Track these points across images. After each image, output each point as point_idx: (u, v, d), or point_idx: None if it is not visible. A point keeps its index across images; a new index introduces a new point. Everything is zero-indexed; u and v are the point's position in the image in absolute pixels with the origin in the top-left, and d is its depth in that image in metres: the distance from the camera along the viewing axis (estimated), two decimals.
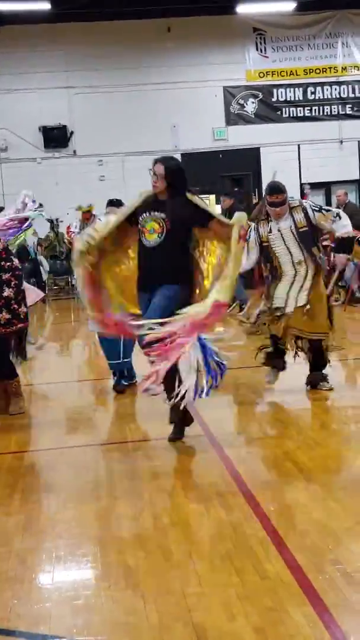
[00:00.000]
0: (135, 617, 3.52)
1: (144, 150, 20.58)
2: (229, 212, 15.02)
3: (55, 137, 20.57)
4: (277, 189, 7.20)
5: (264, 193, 8.31)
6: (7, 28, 20.04)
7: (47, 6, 17.56)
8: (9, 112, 20.29)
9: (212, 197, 20.26)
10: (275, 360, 7.53)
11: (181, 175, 6.19)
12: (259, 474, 5.35)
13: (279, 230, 7.15)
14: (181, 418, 6.08)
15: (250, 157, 20.71)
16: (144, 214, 6.02)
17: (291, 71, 21.46)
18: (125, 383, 7.97)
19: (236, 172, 17.84)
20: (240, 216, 5.99)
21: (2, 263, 7.02)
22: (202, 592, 3.69)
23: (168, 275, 5.90)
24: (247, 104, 21.47)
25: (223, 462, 5.64)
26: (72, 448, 6.40)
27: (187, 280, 6.06)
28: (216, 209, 18.88)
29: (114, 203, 8.89)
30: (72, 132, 20.76)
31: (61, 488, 5.37)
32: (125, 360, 7.84)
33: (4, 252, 7.12)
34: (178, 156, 20.87)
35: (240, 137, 21.22)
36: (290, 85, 21.48)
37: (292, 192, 21.21)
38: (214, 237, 6.15)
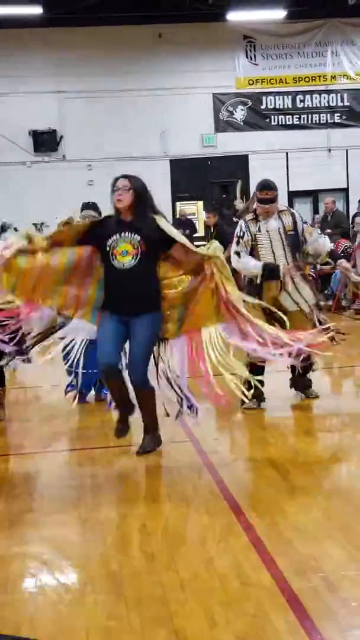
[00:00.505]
0: (117, 621, 3.52)
1: (133, 156, 20.63)
2: (214, 229, 15.06)
3: (45, 142, 20.55)
4: (267, 185, 7.08)
5: (252, 193, 8.18)
6: None
7: (39, 10, 17.54)
8: None
9: (201, 203, 20.32)
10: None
11: (147, 194, 5.96)
12: (243, 480, 5.37)
13: (267, 231, 7.02)
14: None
15: (239, 164, 20.75)
16: (114, 236, 5.72)
17: (280, 79, 21.49)
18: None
19: (224, 179, 17.85)
20: (216, 246, 5.75)
21: None
22: (185, 597, 3.69)
23: (146, 301, 5.77)
24: (236, 111, 21.50)
25: (207, 468, 5.66)
26: (56, 453, 6.41)
27: (160, 305, 5.87)
28: (202, 216, 18.96)
29: (90, 206, 8.71)
30: (61, 137, 20.74)
31: (45, 493, 5.37)
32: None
33: None
34: (167, 162, 21.05)
35: (229, 144, 21.24)
36: (279, 93, 21.50)
37: (280, 200, 21.29)
38: (172, 266, 5.91)
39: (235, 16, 19.00)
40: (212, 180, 18.02)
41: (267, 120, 21.50)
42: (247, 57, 21.44)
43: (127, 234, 5.70)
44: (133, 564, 4.10)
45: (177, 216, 20.37)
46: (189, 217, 19.77)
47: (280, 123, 21.53)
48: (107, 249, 5.72)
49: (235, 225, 7.91)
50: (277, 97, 21.51)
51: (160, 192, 20.94)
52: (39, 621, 3.59)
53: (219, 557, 4.12)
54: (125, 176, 5.91)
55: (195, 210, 21.04)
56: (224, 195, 17.53)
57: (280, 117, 21.56)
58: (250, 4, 18.19)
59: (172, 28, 20.57)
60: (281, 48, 21.40)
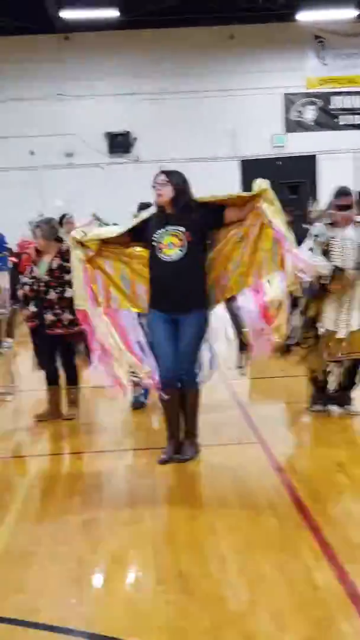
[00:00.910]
0: (187, 621, 3.56)
1: (204, 157, 20.67)
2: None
3: (120, 143, 20.68)
4: (344, 192, 6.82)
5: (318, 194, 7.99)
6: (76, 35, 20.24)
7: (115, 14, 17.65)
8: (75, 118, 20.49)
9: None
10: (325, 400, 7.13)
11: (187, 187, 5.87)
12: (312, 483, 5.33)
13: (341, 239, 6.68)
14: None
15: (308, 165, 20.62)
16: (159, 230, 5.68)
17: (351, 79, 21.29)
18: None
19: (293, 180, 17.73)
20: (260, 181, 5.73)
21: (66, 264, 6.94)
22: (254, 600, 3.72)
23: (194, 296, 5.74)
24: (306, 110, 21.37)
25: (275, 471, 5.65)
26: (126, 451, 6.47)
27: (204, 301, 5.82)
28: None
29: (146, 206, 8.68)
30: (135, 138, 20.86)
31: (118, 491, 5.44)
32: None
33: (68, 253, 7.07)
34: (237, 163, 21.01)
35: (299, 144, 21.12)
36: (349, 93, 21.32)
37: None
38: (236, 225, 5.82)
39: (305, 16, 18.85)
40: (281, 181, 17.88)
41: (336, 120, 21.31)
42: (317, 57, 21.28)
43: (171, 226, 5.66)
44: (203, 565, 4.13)
45: None
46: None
47: (349, 123, 21.33)
48: (154, 243, 5.68)
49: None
50: (345, 97, 21.32)
51: (231, 191, 20.91)
52: (112, 618, 3.65)
53: (288, 560, 4.13)
54: (163, 172, 5.88)
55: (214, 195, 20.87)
56: (294, 196, 17.40)
57: (349, 116, 21.36)
58: (320, 3, 18.03)
59: (244, 29, 20.52)
60: (352, 47, 21.17)
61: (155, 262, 5.71)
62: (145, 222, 5.81)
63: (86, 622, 3.63)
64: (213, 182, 20.46)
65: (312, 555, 4.19)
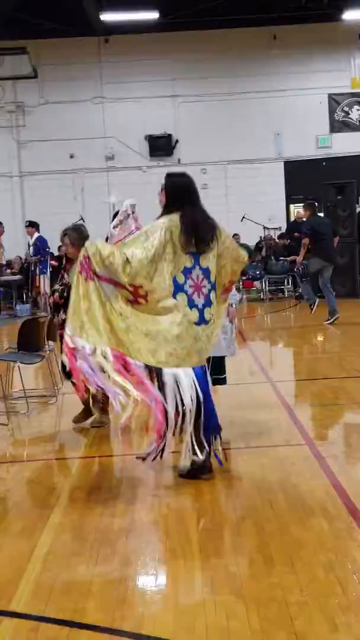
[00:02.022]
0: (237, 622, 3.54)
1: (247, 159, 20.69)
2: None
3: (161, 146, 20.81)
4: None
5: None
6: (116, 38, 20.39)
7: (155, 15, 17.73)
8: (116, 121, 20.64)
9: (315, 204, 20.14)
10: None
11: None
12: None
13: None
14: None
15: (354, 165, 20.51)
16: None
17: None
18: None
19: (339, 180, 17.65)
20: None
21: None
22: (304, 601, 3.68)
23: None
24: (352, 111, 21.30)
25: (324, 472, 5.61)
26: (171, 454, 6.42)
27: None
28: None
29: None
30: (177, 141, 20.95)
31: (162, 493, 5.42)
32: None
33: None
34: (281, 164, 20.98)
35: (344, 144, 21.05)
36: None
37: None
38: None
39: (351, 15, 18.80)
40: (326, 181, 17.84)
41: None
42: None
43: None
44: (252, 566, 4.11)
45: (293, 218, 20.31)
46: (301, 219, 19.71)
47: None
48: None
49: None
50: None
51: (275, 193, 21.01)
52: (159, 619, 3.63)
53: (338, 560, 4.10)
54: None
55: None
56: (339, 197, 17.31)
57: None
58: None
59: (287, 29, 20.56)
60: None
61: None
62: None
63: (133, 623, 3.61)
64: (255, 184, 20.68)
65: None
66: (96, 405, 7.22)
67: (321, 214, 16.99)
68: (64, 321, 7.05)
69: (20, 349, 7.83)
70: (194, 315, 5.25)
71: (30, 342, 7.87)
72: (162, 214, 5.37)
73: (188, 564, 4.23)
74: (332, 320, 13.27)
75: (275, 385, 8.70)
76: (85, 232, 7.32)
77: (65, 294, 7.06)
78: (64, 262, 7.41)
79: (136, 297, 5.17)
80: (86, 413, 7.28)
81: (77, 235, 7.16)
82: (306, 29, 20.51)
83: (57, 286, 7.28)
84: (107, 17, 18.31)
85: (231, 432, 6.96)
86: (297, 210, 20.62)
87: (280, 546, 4.34)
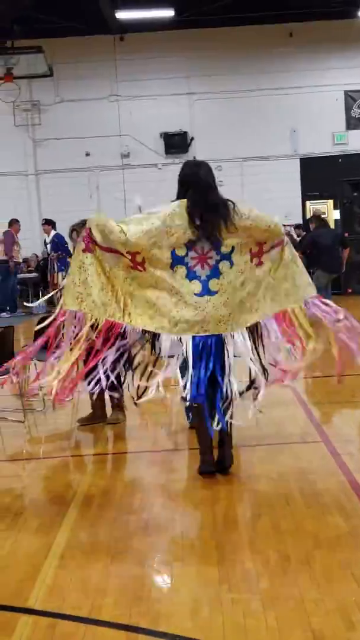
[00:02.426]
0: (253, 619, 3.54)
1: (262, 156, 20.66)
2: None
3: (176, 143, 20.82)
4: None
5: None
6: (131, 36, 20.40)
7: (170, 13, 17.73)
8: (131, 119, 20.66)
9: (331, 201, 20.13)
10: None
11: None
12: None
13: None
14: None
15: None
16: None
17: None
18: None
19: (356, 177, 17.62)
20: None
21: None
22: (321, 599, 3.68)
23: None
24: None
25: (340, 469, 5.61)
26: (187, 450, 6.42)
27: None
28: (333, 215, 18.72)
29: None
30: (192, 138, 20.95)
31: (178, 490, 5.43)
32: None
33: None
34: (297, 161, 20.94)
35: None
36: None
37: None
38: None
39: None
40: (343, 178, 17.80)
41: None
42: None
43: None
44: (268, 564, 4.11)
45: (310, 215, 20.25)
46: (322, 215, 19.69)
47: None
48: None
49: None
50: None
51: (290, 190, 20.97)
52: (175, 617, 3.63)
53: (355, 558, 4.10)
54: None
55: (326, 209, 20.93)
56: (355, 194, 17.28)
57: None
58: None
59: (303, 26, 20.52)
60: None
61: None
62: None
63: (150, 620, 3.61)
64: (271, 181, 20.64)
65: None
66: (112, 402, 7.23)
67: (338, 212, 16.96)
68: None
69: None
70: (194, 286, 5.25)
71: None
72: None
73: (204, 561, 4.23)
74: None
75: (291, 382, 8.66)
76: None
77: None
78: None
79: (135, 264, 5.27)
80: (93, 416, 7.29)
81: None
82: (322, 25, 20.45)
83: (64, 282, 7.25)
84: (123, 15, 18.31)
85: (247, 429, 6.97)
86: (314, 207, 20.61)
87: (296, 543, 4.34)
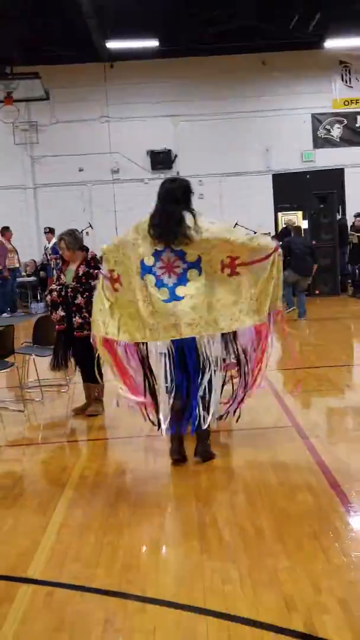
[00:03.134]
0: (231, 586, 3.54)
1: (239, 171, 20.73)
2: None
3: (161, 160, 20.86)
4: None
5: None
6: (120, 64, 20.42)
7: (155, 44, 17.73)
8: (120, 138, 20.67)
9: (300, 213, 20.22)
10: None
11: None
12: (343, 462, 5.29)
13: None
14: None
15: (335, 178, 20.56)
16: None
17: None
18: None
19: (322, 190, 17.66)
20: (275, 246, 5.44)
21: (93, 271, 6.89)
22: (292, 567, 3.69)
23: None
24: (332, 129, 21.33)
25: (309, 450, 5.62)
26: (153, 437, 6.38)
27: None
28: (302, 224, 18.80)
29: None
30: (176, 155, 20.98)
31: (164, 471, 5.42)
32: None
33: (93, 260, 7.07)
34: (269, 176, 20.99)
35: (326, 159, 21.09)
36: None
37: None
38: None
39: (331, 44, 18.79)
40: (310, 192, 17.85)
41: None
42: (342, 80, 21.30)
43: None
44: (245, 536, 4.11)
45: (283, 225, 20.37)
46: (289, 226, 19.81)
47: None
48: None
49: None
50: None
51: (264, 203, 21.00)
52: (162, 584, 3.64)
53: (322, 531, 4.10)
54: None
55: (296, 219, 21.03)
56: (322, 206, 17.32)
57: None
58: (346, 32, 17.93)
59: (275, 55, 20.60)
60: None
61: None
62: None
63: (138, 587, 3.62)
64: (247, 194, 20.68)
65: (343, 527, 4.17)
66: (93, 395, 7.20)
67: (306, 222, 17.06)
68: (62, 317, 7.03)
69: (35, 343, 7.82)
70: (162, 293, 5.15)
71: (44, 336, 7.85)
72: None
73: (187, 534, 4.23)
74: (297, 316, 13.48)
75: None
76: (79, 237, 7.22)
77: (62, 292, 7.02)
78: (60, 264, 7.37)
79: (113, 282, 5.36)
80: (87, 405, 7.28)
81: (72, 239, 7.09)
82: (292, 55, 20.49)
83: (54, 286, 7.23)
84: (112, 45, 18.26)
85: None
86: (285, 217, 20.66)
87: (269, 518, 4.35)
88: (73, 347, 7.08)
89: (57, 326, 7.13)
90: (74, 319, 6.93)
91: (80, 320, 6.89)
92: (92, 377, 6.96)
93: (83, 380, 7.25)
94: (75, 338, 6.95)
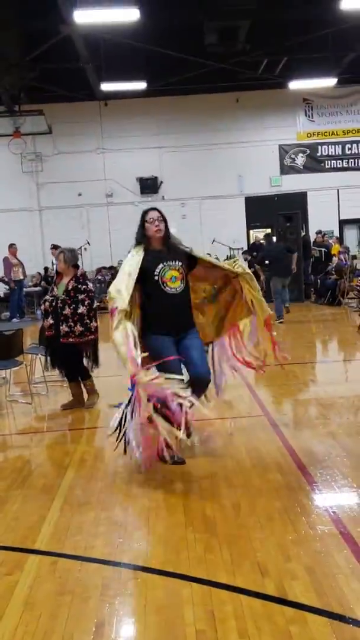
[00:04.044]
0: (212, 554, 3.54)
1: (216, 195, 20.77)
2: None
3: (149, 186, 20.87)
4: None
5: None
6: (112, 102, 20.43)
7: (143, 85, 17.72)
8: (113, 167, 20.68)
9: (269, 230, 20.29)
10: None
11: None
12: (308, 446, 5.29)
13: None
14: None
15: (299, 200, 20.61)
16: (160, 265, 4.96)
17: (333, 132, 21.36)
18: None
19: (288, 211, 17.69)
20: (243, 263, 5.54)
21: (80, 286, 6.94)
22: (265, 538, 3.68)
23: (190, 318, 5.18)
24: (297, 157, 21.41)
25: (278, 436, 5.62)
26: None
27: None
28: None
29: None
30: (161, 182, 20.98)
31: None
32: None
33: (82, 277, 7.08)
34: (242, 199, 21.03)
35: (292, 184, 21.15)
36: (332, 143, 21.38)
37: (333, 227, 21.06)
38: (197, 278, 5.42)
39: (295, 85, 18.84)
40: (278, 212, 17.87)
41: (322, 164, 21.42)
42: (305, 115, 21.38)
43: (171, 262, 5.01)
44: (223, 510, 4.11)
45: (252, 241, 20.44)
46: (260, 241, 19.84)
47: (332, 166, 21.39)
48: (156, 278, 4.96)
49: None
50: (330, 146, 21.44)
51: (238, 221, 21.04)
52: (150, 553, 3.63)
53: (290, 506, 4.10)
54: (156, 208, 5.21)
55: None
56: (288, 224, 17.35)
57: (332, 161, 21.43)
58: (308, 73, 18.00)
59: (247, 94, 20.70)
60: (333, 107, 21.30)
61: (159, 295, 4.96)
62: (145, 259, 5.00)
63: (131, 557, 3.61)
64: (223, 214, 20.71)
65: (309, 502, 4.17)
66: (86, 388, 7.19)
67: (274, 238, 17.11)
68: (50, 325, 6.99)
69: (41, 344, 7.80)
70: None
71: None
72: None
73: (173, 509, 4.22)
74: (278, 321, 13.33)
75: (239, 369, 8.65)
76: (76, 255, 7.20)
77: (54, 303, 6.99)
78: (55, 277, 7.34)
79: (112, 312, 4.79)
80: (74, 403, 7.16)
81: (70, 255, 7.07)
82: (262, 94, 20.54)
83: (47, 297, 7.22)
84: (106, 86, 18.18)
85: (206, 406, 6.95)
86: (255, 234, 20.72)
87: (244, 494, 4.35)
88: (58, 351, 7.04)
89: (46, 332, 7.11)
90: (61, 327, 6.90)
91: (66, 329, 6.88)
92: (80, 375, 7.01)
93: (68, 380, 7.21)
94: (60, 344, 6.93)
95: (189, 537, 3.76)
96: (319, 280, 17.50)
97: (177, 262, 5.01)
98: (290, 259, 13.79)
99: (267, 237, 16.98)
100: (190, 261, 5.19)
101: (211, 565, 3.42)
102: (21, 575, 3.45)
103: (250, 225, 21.27)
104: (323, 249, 19.02)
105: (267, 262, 14.14)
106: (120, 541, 3.80)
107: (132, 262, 4.96)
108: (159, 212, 5.14)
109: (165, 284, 4.95)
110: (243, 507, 4.14)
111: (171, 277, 4.95)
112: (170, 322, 5.01)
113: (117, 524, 4.03)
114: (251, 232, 21.24)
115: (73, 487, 4.76)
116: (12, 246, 17.65)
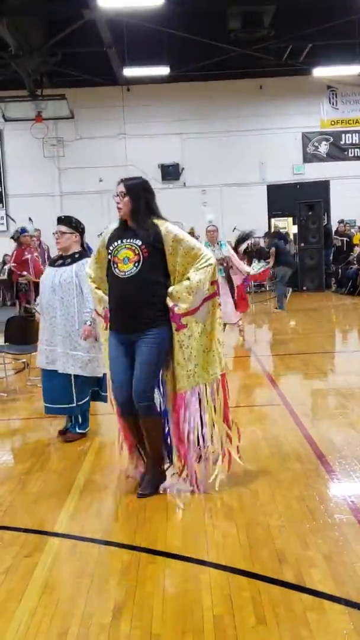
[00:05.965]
0: (230, 540, 3.56)
1: (237, 182, 20.67)
2: None
3: (170, 172, 20.80)
4: None
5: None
6: (135, 87, 20.35)
7: (166, 70, 17.64)
8: (135, 153, 20.61)
9: (290, 219, 20.21)
10: None
11: (143, 197, 4.23)
12: (327, 436, 5.29)
13: None
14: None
15: (322, 188, 20.47)
16: (115, 242, 4.17)
17: (357, 120, 21.15)
18: (79, 431, 5.68)
19: (310, 200, 17.61)
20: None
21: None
22: (283, 525, 3.70)
23: (150, 315, 4.10)
24: (320, 145, 21.24)
25: (297, 425, 5.63)
26: None
27: (165, 318, 4.13)
28: (292, 229, 18.75)
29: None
30: (183, 168, 20.90)
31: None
32: (79, 403, 5.60)
33: None
34: (264, 187, 20.93)
35: (314, 172, 21.01)
36: (356, 131, 21.19)
37: (355, 216, 20.90)
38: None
39: (320, 71, 18.64)
40: (300, 201, 17.79)
41: (345, 152, 21.20)
42: (329, 103, 21.17)
43: (128, 239, 4.14)
44: (242, 498, 4.13)
45: (272, 230, 20.35)
46: (281, 230, 19.79)
47: (356, 155, 21.20)
48: (110, 257, 4.20)
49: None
50: (353, 134, 21.19)
51: (259, 210, 20.94)
52: (169, 538, 3.66)
53: (309, 494, 4.11)
54: (122, 180, 4.31)
55: (286, 224, 21.03)
56: (310, 213, 17.27)
57: (356, 150, 21.22)
58: (333, 60, 17.83)
59: (270, 81, 20.50)
60: (358, 95, 21.07)
61: (111, 278, 4.23)
62: (109, 235, 4.32)
63: (149, 541, 3.63)
64: (244, 202, 20.63)
65: (327, 491, 4.18)
66: None
67: (295, 227, 17.05)
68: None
69: None
70: None
71: None
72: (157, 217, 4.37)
73: (191, 497, 4.23)
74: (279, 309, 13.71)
75: (259, 359, 8.71)
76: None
77: None
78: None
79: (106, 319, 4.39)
80: None
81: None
82: (285, 81, 20.39)
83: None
84: (129, 71, 18.15)
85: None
86: (277, 223, 20.66)
87: (263, 482, 4.36)
88: None
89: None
90: None
91: None
92: None
93: None
94: None
95: (207, 523, 3.79)
96: (340, 270, 17.42)
97: (136, 241, 4.11)
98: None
99: (276, 234, 17.29)
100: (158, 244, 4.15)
101: (229, 552, 3.45)
102: (41, 558, 3.49)
103: (272, 213, 21.18)
104: (345, 239, 18.92)
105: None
106: (139, 526, 3.83)
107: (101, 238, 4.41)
108: (126, 185, 4.24)
109: (116, 265, 4.15)
110: (262, 495, 4.15)
111: (124, 257, 4.11)
112: (115, 315, 4.23)
113: (136, 509, 4.06)
114: (272, 220, 21.15)
115: (92, 471, 4.79)
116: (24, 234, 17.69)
